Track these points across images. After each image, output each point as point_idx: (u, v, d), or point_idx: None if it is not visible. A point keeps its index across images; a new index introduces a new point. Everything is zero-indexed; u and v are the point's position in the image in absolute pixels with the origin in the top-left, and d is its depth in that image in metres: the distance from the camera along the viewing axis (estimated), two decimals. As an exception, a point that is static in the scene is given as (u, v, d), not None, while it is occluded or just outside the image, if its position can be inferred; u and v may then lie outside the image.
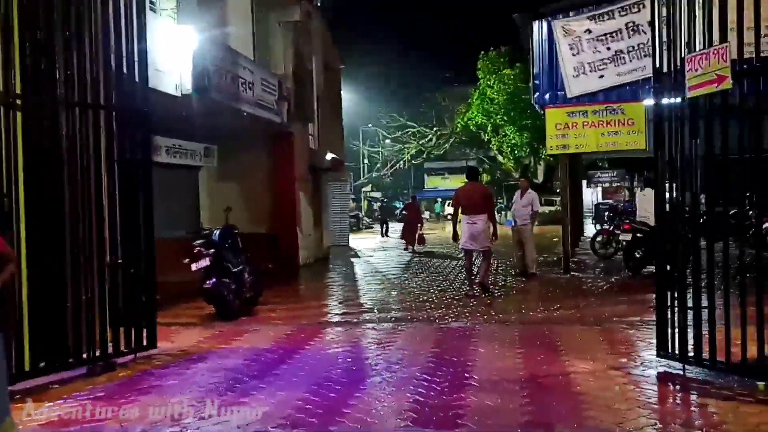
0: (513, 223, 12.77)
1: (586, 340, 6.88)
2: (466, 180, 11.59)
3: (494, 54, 35.38)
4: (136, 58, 6.62)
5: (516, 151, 36.93)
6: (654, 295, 9.28)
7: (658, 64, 5.93)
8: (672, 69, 5.78)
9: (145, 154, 6.87)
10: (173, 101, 10.33)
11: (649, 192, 11.84)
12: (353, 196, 38.73)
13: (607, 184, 30.87)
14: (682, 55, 5.63)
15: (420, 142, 47.14)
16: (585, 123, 12.24)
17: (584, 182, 27.82)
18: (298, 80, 15.97)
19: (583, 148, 12.48)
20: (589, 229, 24.09)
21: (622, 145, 12.27)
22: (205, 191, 15.48)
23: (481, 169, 55.70)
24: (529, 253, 12.54)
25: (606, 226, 16.86)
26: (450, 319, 8.30)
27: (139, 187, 6.73)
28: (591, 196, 30.57)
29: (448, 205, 52.86)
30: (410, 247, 20.23)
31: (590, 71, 12.09)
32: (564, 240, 12.97)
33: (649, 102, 12.16)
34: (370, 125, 48.87)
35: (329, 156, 19.74)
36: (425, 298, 10.28)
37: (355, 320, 8.52)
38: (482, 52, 35.66)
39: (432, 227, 34.89)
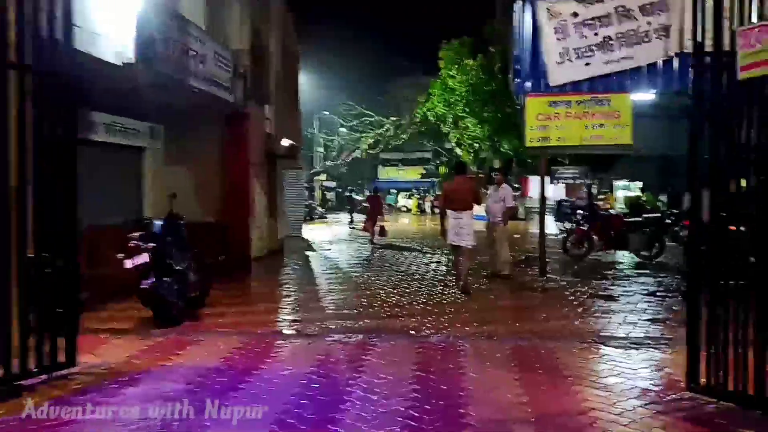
0: (486, 219, 11.99)
1: (593, 363, 5.89)
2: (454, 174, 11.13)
3: (457, 44, 34.46)
4: (59, 7, 5.36)
5: (476, 144, 36.17)
6: (649, 307, 8.61)
7: (699, 38, 4.95)
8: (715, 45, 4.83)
9: (69, 126, 5.60)
10: (113, 71, 8.99)
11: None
12: (306, 185, 37.36)
13: (570, 181, 30.18)
14: (732, 28, 4.68)
15: (377, 132, 46.06)
16: (568, 114, 11.32)
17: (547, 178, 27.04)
18: (256, 58, 14.68)
19: (566, 141, 11.49)
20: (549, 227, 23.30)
21: (607, 139, 11.37)
22: (149, 175, 14.08)
23: (438, 162, 55.35)
24: (502, 253, 11.63)
25: (567, 225, 16.07)
26: (429, 331, 7.23)
27: (61, 167, 5.47)
28: (553, 192, 29.86)
29: (404, 197, 52.08)
30: (373, 238, 19.67)
31: (576, 58, 11.12)
32: (541, 239, 12.04)
33: (638, 96, 11.42)
34: (326, 113, 47.51)
35: (286, 142, 18.47)
36: (395, 301, 9.20)
37: (318, 330, 7.35)
38: (444, 42, 34.73)
39: (385, 218, 33.85)
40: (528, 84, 11.45)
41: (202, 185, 14.22)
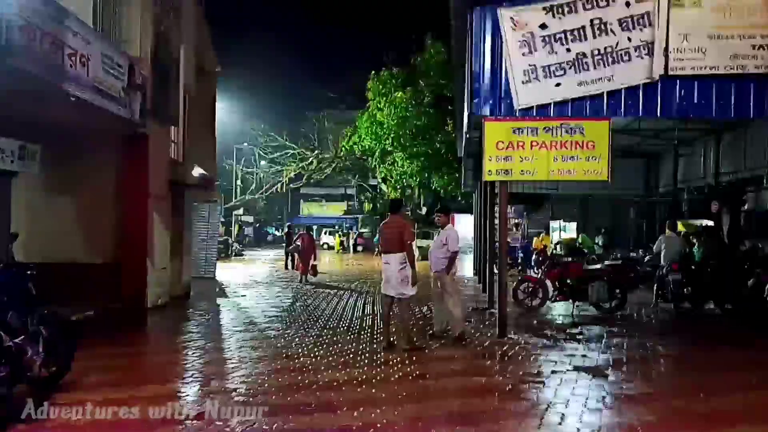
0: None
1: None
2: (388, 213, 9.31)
3: (386, 75, 32.94)
4: None
5: (405, 180, 34.53)
6: (654, 385, 6.02)
7: None
8: None
9: None
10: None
11: (673, 235, 13.60)
12: (223, 220, 34.71)
13: (504, 221, 28.73)
14: None
15: (300, 165, 43.79)
16: (534, 143, 9.51)
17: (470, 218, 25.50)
18: (159, 69, 12.31)
19: (531, 176, 9.62)
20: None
21: (579, 175, 9.59)
22: (22, 206, 11.47)
23: (362, 198, 53.36)
24: (452, 308, 9.44)
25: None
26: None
27: None
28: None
29: (325, 234, 49.71)
30: (304, 277, 18.91)
31: (544, 77, 9.42)
32: (500, 289, 10.07)
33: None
34: (245, 144, 44.89)
35: (197, 171, 16.06)
36: (328, 378, 6.95)
37: (224, 435, 5.06)
38: (373, 72, 33.14)
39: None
40: (488, 107, 9.65)
41: (91, 219, 11.84)
